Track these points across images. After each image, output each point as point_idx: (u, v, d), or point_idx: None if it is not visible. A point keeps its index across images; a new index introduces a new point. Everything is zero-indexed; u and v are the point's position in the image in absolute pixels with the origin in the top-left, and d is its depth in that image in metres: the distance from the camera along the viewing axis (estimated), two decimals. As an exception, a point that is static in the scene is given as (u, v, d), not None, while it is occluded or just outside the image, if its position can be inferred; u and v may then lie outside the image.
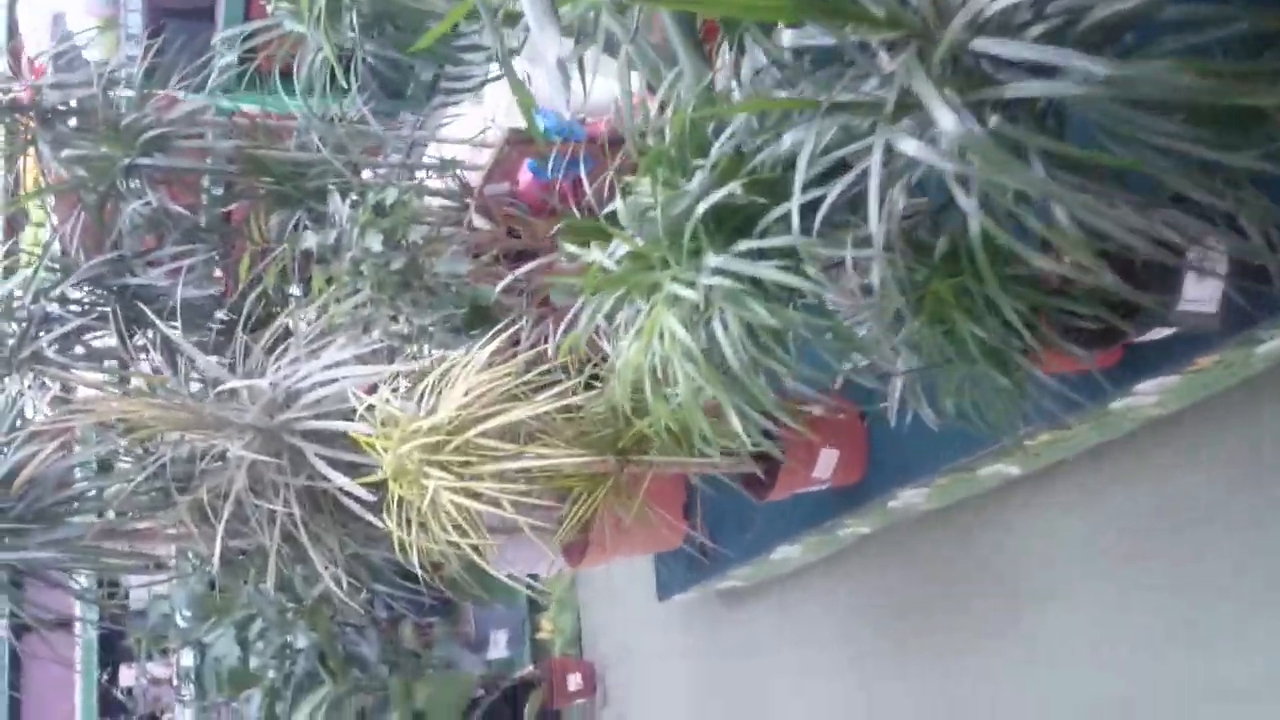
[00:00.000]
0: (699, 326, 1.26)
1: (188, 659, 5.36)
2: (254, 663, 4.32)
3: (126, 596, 6.32)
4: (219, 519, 2.49)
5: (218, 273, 3.18)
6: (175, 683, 5.36)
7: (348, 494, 2.50)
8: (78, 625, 5.54)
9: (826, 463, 2.36)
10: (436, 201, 3.01)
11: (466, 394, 2.06)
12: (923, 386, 1.60)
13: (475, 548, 2.10)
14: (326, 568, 2.50)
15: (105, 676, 6.58)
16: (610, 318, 1.47)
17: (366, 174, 3.03)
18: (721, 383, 1.34)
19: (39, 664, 6.90)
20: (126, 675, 6.88)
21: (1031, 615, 2.23)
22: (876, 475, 2.40)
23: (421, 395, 2.10)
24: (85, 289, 2.97)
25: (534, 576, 4.43)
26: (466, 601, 4.69)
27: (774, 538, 2.76)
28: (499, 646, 4.54)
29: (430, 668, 4.30)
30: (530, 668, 4.52)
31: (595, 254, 1.43)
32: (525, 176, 2.88)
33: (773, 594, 3.16)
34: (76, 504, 2.58)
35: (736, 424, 1.30)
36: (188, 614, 4.73)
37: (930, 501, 2.41)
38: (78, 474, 2.65)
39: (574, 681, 4.38)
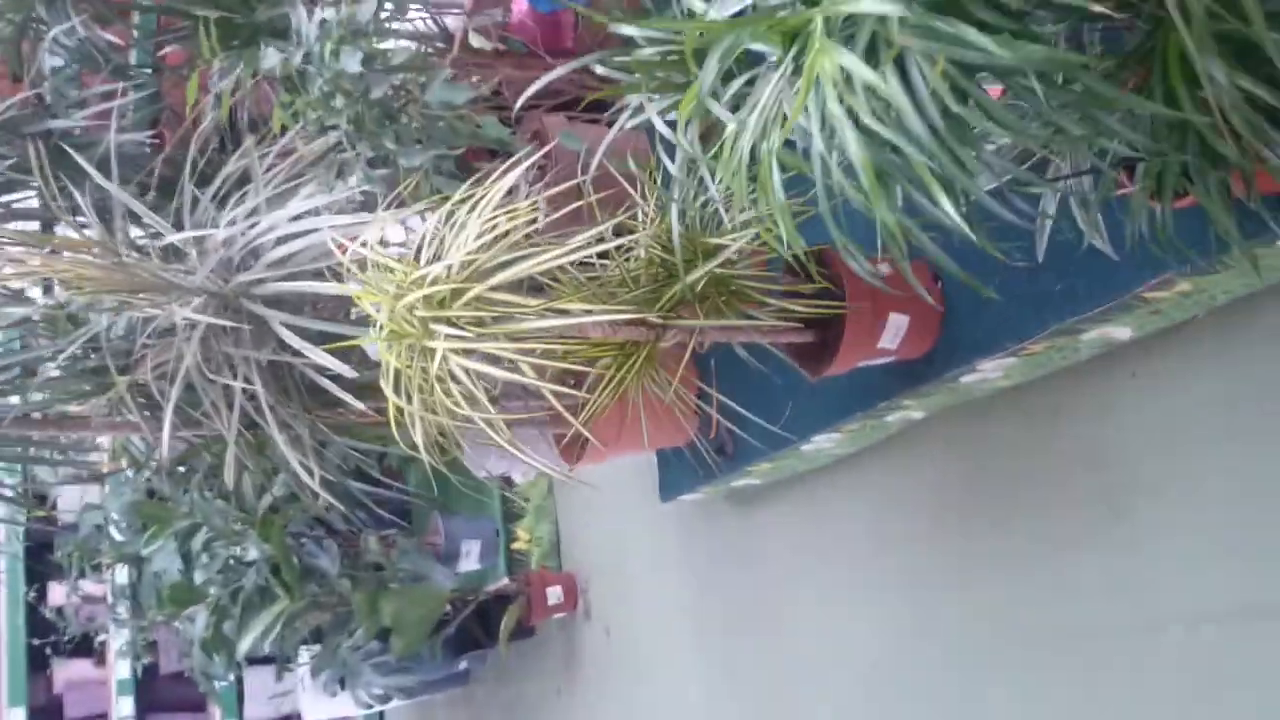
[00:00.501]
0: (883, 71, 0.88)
1: (123, 576, 4.95)
2: (198, 578, 3.93)
3: (54, 507, 5.86)
4: (166, 401, 2.09)
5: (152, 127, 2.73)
6: (110, 601, 4.94)
7: (322, 371, 2.11)
8: (-2, 537, 5.05)
9: (895, 330, 2.01)
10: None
11: (479, 237, 1.66)
12: (1098, 203, 1.24)
13: (488, 422, 1.73)
14: (298, 461, 2.11)
15: (32, 594, 6.12)
16: (714, 94, 1.08)
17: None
18: (892, 165, 0.96)
19: (-43, 584, 6.42)
20: (56, 594, 6.43)
21: (1135, 516, 1.90)
22: (949, 346, 2.06)
23: (422, 243, 1.70)
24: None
25: (508, 481, 4.07)
26: (434, 509, 4.32)
27: (812, 424, 2.42)
28: (470, 558, 4.19)
29: (396, 581, 3.94)
30: (505, 581, 4.19)
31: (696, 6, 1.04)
32: (521, 5, 2.45)
33: (794, 493, 2.83)
34: (-10, 384, 2.15)
35: (946, 204, 0.93)
36: (123, 525, 4.31)
37: (1011, 377, 2.07)
38: (-10, 350, 2.22)
39: (554, 595, 4.06)
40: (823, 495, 2.73)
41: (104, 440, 3.64)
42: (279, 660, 4.78)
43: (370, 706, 5.37)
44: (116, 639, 6.41)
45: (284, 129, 2.10)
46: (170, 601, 3.93)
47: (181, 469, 4.04)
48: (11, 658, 6.30)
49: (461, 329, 1.64)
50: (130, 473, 4.41)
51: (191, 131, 2.28)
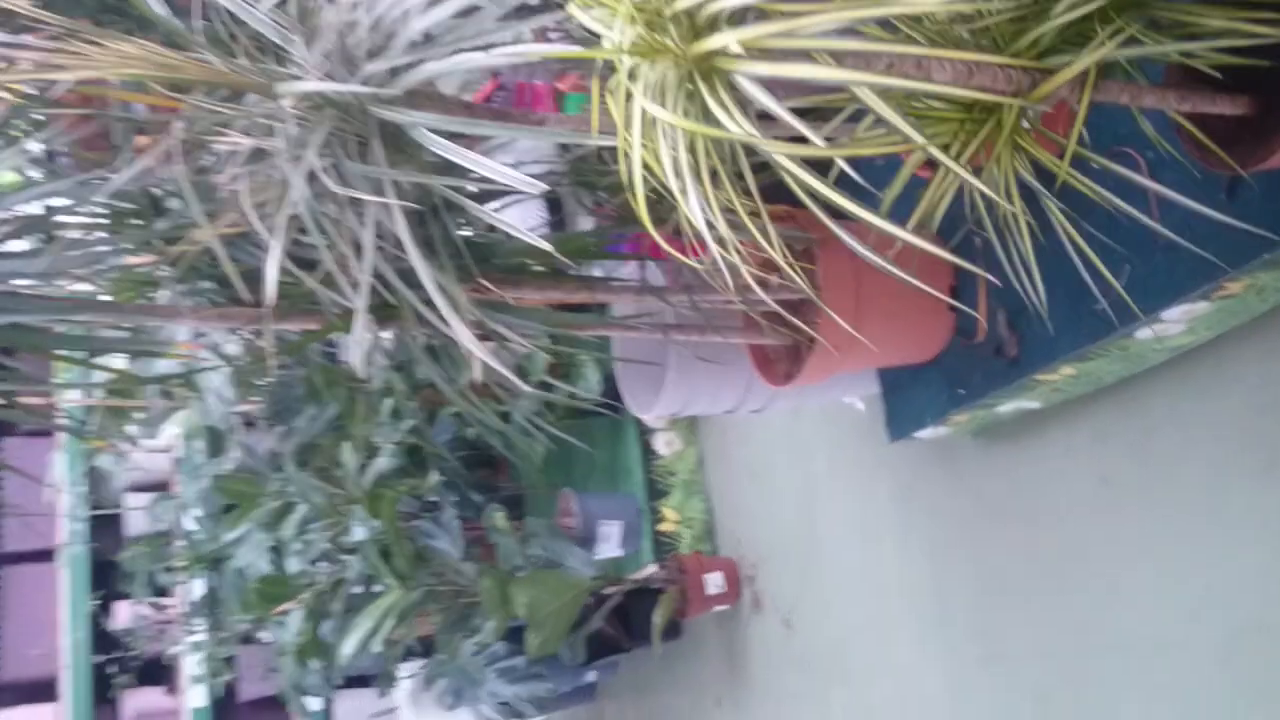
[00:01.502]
0: None
1: (200, 587, 4.33)
2: (292, 568, 3.30)
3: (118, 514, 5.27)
4: (265, 253, 1.44)
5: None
6: (184, 614, 4.33)
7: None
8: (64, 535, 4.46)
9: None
10: None
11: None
12: None
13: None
14: (464, 326, 1.43)
15: (97, 607, 5.55)
16: None
17: None
18: None
19: (20, 601, 5.86)
20: (123, 615, 5.86)
21: None
22: None
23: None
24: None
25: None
26: (561, 488, 3.66)
27: (1165, 291, 1.70)
28: (610, 543, 3.52)
29: (525, 568, 3.27)
30: (652, 568, 3.50)
31: None
32: None
33: (1091, 416, 2.11)
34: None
35: None
36: (201, 516, 3.70)
37: None
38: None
39: (713, 583, 3.37)
40: (1143, 411, 2.01)
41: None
42: (381, 674, 4.15)
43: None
44: (190, 661, 5.82)
45: None
46: (258, 600, 3.30)
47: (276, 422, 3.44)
48: (75, 684, 5.72)
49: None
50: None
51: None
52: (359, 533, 3.08)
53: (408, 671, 4.67)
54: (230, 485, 3.25)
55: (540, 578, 3.19)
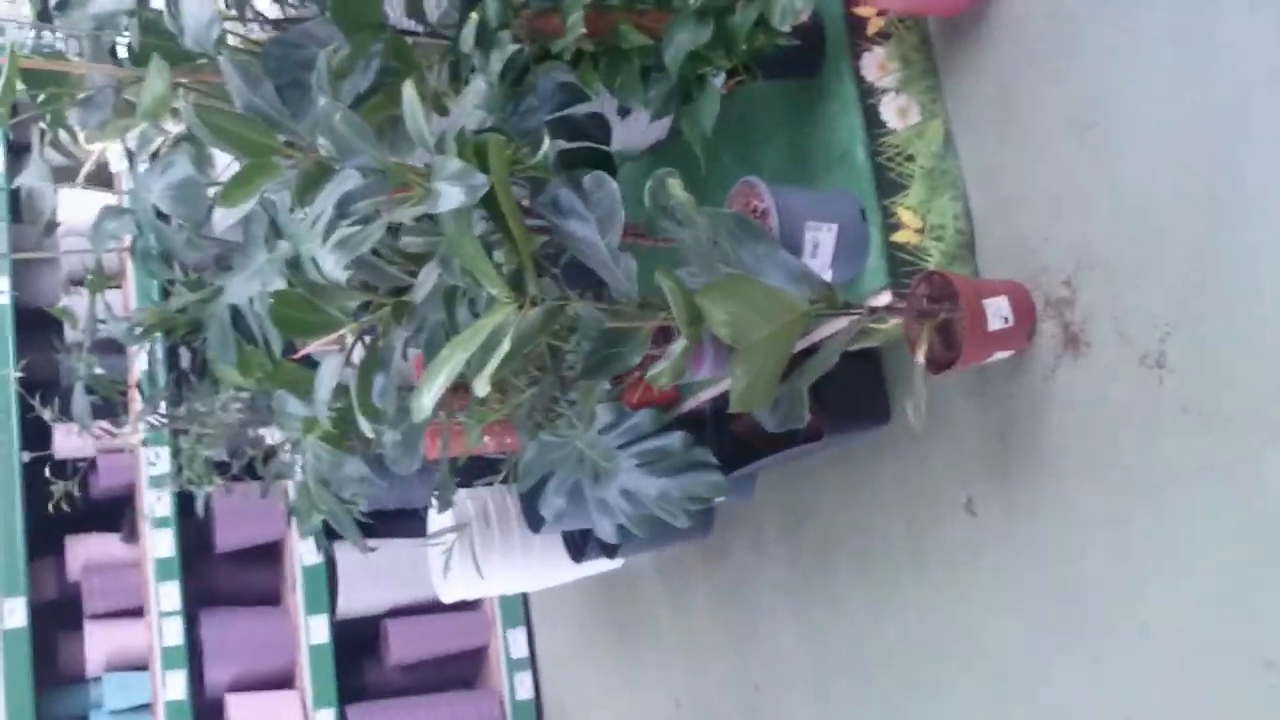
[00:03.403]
0: None
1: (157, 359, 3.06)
2: (329, 266, 2.05)
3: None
4: None
5: None
6: (144, 406, 3.05)
7: None
8: None
9: None
10: None
11: None
12: None
13: None
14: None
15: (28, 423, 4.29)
16: None
17: None
18: None
19: None
20: (66, 442, 4.59)
21: None
22: None
23: None
24: None
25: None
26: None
27: None
28: (820, 256, 2.28)
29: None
30: (885, 296, 2.28)
31: None
32: None
33: None
34: None
35: None
36: (177, 216, 2.42)
37: None
38: None
39: (997, 312, 2.17)
40: None
41: None
42: (440, 492, 2.97)
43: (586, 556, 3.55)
44: (154, 495, 4.58)
45: None
46: (280, 325, 2.07)
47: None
48: (2, 527, 4.47)
49: None
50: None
51: None
52: (450, 197, 1.81)
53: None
54: (224, 123, 1.96)
55: (738, 288, 1.95)
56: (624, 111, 2.69)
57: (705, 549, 3.48)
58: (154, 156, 2.65)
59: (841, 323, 2.16)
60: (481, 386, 1.87)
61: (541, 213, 2.00)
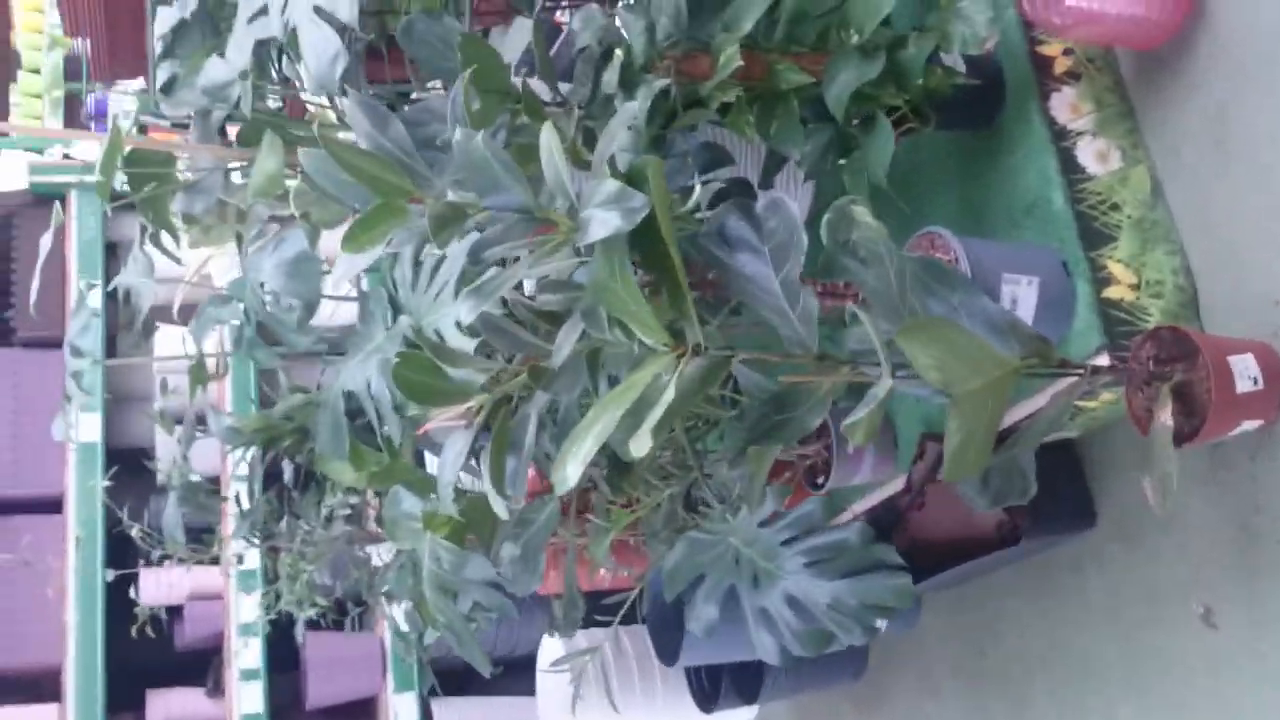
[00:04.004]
0: None
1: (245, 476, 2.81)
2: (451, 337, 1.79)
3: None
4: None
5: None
6: (239, 526, 2.78)
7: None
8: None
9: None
10: None
11: None
12: None
13: None
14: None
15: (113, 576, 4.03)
16: None
17: None
18: None
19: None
20: (150, 588, 4.34)
21: None
22: None
23: None
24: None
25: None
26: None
27: None
28: (1021, 312, 1.96)
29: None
30: (1100, 353, 1.95)
31: None
32: None
33: None
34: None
35: None
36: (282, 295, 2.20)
37: None
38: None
39: (1244, 372, 1.81)
40: None
41: None
42: (565, 613, 2.68)
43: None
44: (241, 646, 4.28)
45: None
46: (404, 389, 1.82)
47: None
48: (82, 680, 4.20)
49: None
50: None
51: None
52: (603, 224, 1.55)
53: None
54: (356, 159, 1.74)
55: (942, 332, 1.65)
56: (766, 185, 2.45)
57: (857, 695, 3.06)
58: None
59: (1062, 385, 1.83)
60: (641, 443, 1.57)
61: (705, 248, 1.72)
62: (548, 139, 1.74)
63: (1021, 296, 2.00)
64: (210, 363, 2.60)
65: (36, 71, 7.42)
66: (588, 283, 1.75)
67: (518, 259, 1.79)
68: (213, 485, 3.00)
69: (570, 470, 1.65)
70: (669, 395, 1.58)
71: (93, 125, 7.31)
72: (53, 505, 4.33)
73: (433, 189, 1.88)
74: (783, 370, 1.79)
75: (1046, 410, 1.80)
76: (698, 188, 1.89)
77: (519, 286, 1.91)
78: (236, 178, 2.58)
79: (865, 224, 1.69)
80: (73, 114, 7.65)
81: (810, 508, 2.03)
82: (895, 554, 1.98)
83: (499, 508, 1.83)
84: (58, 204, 2.65)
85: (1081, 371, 1.85)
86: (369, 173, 1.76)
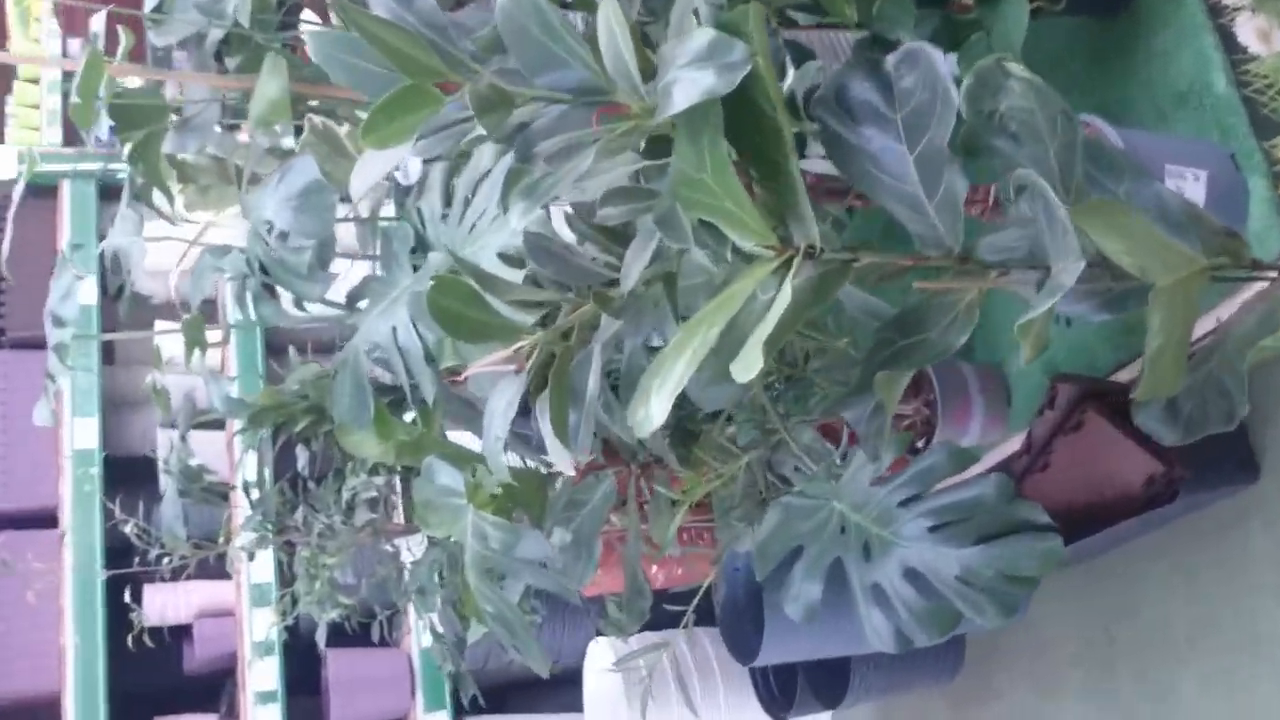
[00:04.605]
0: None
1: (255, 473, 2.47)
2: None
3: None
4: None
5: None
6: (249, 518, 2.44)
7: None
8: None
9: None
10: None
11: None
12: None
13: None
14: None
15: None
16: None
17: None
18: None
19: None
20: (155, 604, 4.00)
21: None
22: None
23: None
24: None
25: None
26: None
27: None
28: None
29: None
30: (1288, 267, 1.60)
31: None
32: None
33: None
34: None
35: None
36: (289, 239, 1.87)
37: None
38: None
39: None
40: None
41: None
42: (630, 604, 2.33)
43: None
44: (259, 664, 3.92)
45: None
46: (441, 320, 1.48)
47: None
48: (83, 708, 3.86)
49: None
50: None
51: None
52: (694, 85, 1.22)
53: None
54: (379, 30, 1.40)
55: (1118, 218, 1.31)
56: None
57: (953, 695, 2.71)
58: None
59: (1254, 290, 1.48)
60: (754, 359, 1.22)
61: (820, 119, 1.38)
62: (608, 12, 1.41)
63: (1188, 191, 1.65)
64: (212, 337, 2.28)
65: (34, 81, 7.18)
66: (666, 180, 1.40)
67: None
68: (222, 485, 2.66)
69: (655, 407, 1.30)
70: (785, 297, 1.24)
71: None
72: (47, 519, 4.00)
73: (468, 72, 1.55)
74: (903, 288, 1.45)
75: (1240, 318, 1.46)
76: (790, 73, 1.56)
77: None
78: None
79: (1020, 76, 1.34)
80: (71, 126, 7.39)
81: (934, 459, 1.68)
82: (1042, 511, 1.63)
83: (563, 462, 1.48)
84: (29, 149, 2.33)
85: (1276, 273, 1.50)
86: (394, 46, 1.43)
